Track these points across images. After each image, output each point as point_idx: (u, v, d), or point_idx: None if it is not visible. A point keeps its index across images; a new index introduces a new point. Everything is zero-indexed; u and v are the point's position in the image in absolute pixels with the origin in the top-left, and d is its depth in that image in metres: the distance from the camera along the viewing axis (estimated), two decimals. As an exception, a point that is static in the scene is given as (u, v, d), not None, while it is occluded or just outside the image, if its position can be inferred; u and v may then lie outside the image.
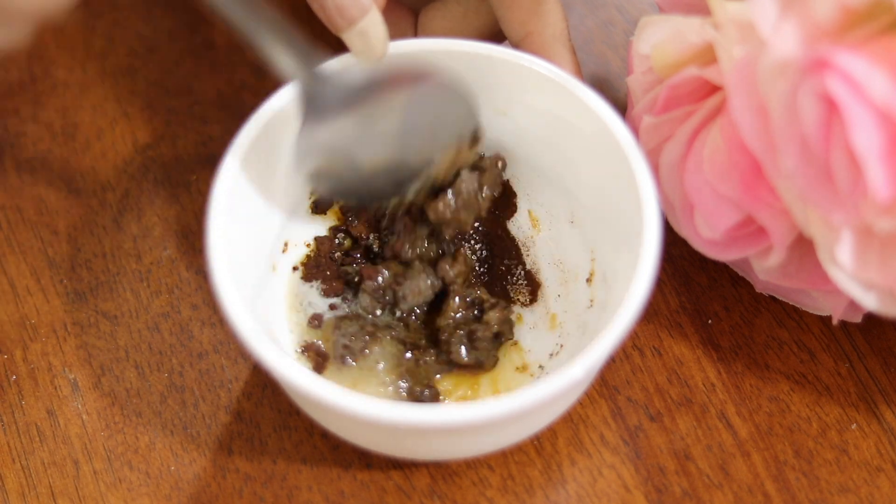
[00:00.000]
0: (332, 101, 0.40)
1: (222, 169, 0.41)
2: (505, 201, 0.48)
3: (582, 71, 0.47)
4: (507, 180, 0.48)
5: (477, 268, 0.47)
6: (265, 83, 0.44)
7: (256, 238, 0.44)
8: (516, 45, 0.47)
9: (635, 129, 0.45)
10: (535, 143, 0.46)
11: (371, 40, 0.42)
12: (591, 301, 0.45)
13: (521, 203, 0.48)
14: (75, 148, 0.52)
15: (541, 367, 0.44)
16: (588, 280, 0.45)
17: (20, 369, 0.46)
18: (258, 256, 0.44)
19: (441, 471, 0.44)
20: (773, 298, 0.47)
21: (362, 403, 0.37)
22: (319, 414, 0.43)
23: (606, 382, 0.46)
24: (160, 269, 0.49)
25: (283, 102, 0.43)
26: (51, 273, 0.49)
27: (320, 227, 0.48)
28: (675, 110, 0.43)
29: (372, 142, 0.43)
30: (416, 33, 0.49)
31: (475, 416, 0.37)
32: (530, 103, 0.45)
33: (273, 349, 0.38)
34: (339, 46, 0.44)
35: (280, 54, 0.39)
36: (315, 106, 0.40)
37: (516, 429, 0.42)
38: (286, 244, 0.47)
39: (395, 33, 0.46)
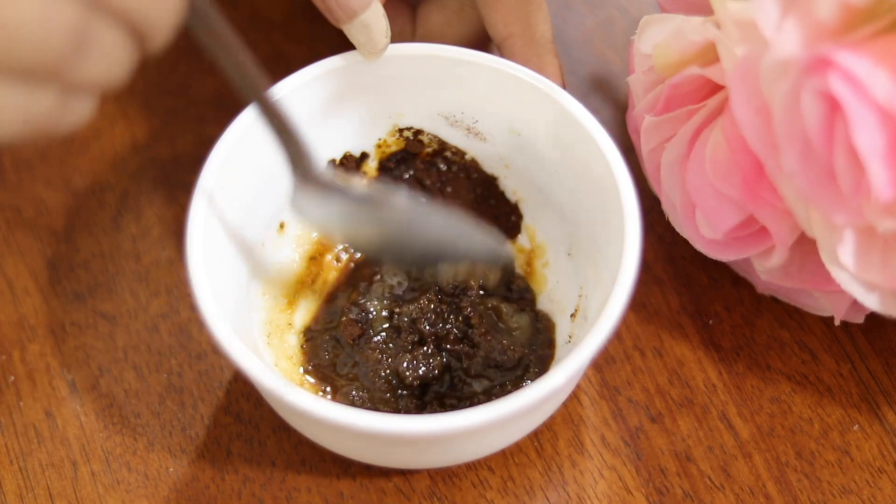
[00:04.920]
0: (323, 189, 0.40)
1: (210, 157, 0.41)
2: (509, 222, 0.48)
3: (581, 71, 0.46)
4: (517, 202, 0.48)
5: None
6: (264, 83, 0.44)
7: (245, 222, 0.44)
8: (499, 47, 0.46)
9: (636, 129, 0.45)
10: (545, 166, 0.46)
11: (373, 33, 0.42)
12: (570, 337, 0.45)
13: (526, 227, 0.48)
14: (74, 148, 0.52)
15: None
16: (572, 315, 0.45)
17: (18, 370, 0.46)
18: (245, 242, 0.44)
19: (441, 473, 0.44)
20: (774, 299, 0.47)
21: (330, 409, 0.36)
22: (299, 423, 0.42)
23: (607, 383, 0.46)
24: (159, 269, 0.49)
25: (282, 94, 0.43)
26: (49, 273, 0.49)
27: None
28: (677, 110, 0.42)
29: (364, 232, 0.41)
30: (414, 27, 0.49)
31: (449, 426, 0.36)
32: (539, 124, 0.45)
33: (258, 362, 0.38)
34: (342, 44, 0.44)
35: (284, 145, 0.38)
36: (306, 184, 0.40)
37: (499, 436, 0.41)
38: (282, 224, 0.46)
39: (394, 27, 0.46)
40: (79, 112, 0.31)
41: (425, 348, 0.44)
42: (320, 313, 0.46)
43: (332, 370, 0.45)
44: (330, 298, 0.47)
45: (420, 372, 0.43)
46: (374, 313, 0.45)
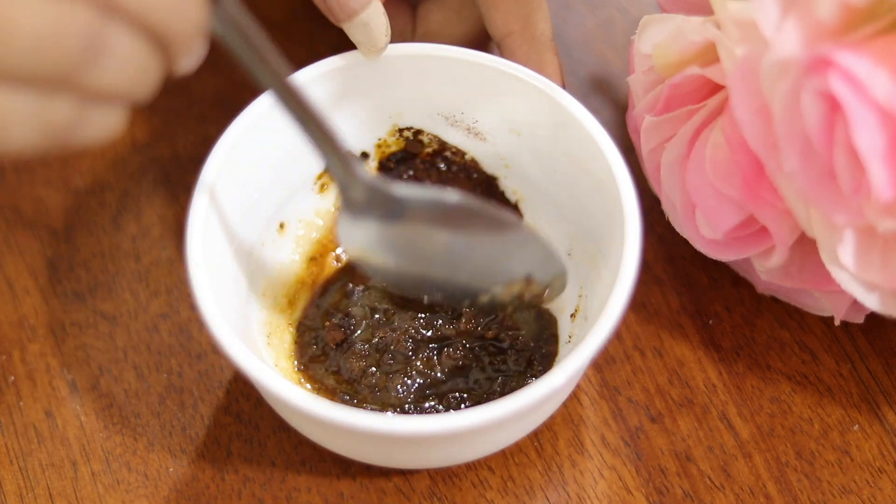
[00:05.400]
0: (369, 208, 0.40)
1: (211, 156, 0.41)
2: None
3: (581, 72, 0.46)
4: (517, 202, 0.48)
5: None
6: (264, 82, 0.44)
7: (246, 222, 0.44)
8: (499, 45, 0.46)
9: (636, 129, 0.45)
10: (545, 166, 0.46)
11: (373, 32, 0.42)
12: (570, 337, 0.45)
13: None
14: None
15: None
16: (572, 316, 0.45)
17: (18, 370, 0.46)
18: (246, 242, 0.44)
19: (441, 472, 0.44)
20: (774, 299, 0.47)
21: (329, 409, 0.36)
22: (301, 423, 0.42)
23: (607, 383, 0.46)
24: (159, 269, 0.49)
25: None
26: (49, 273, 0.49)
27: (328, 203, 0.48)
28: (677, 110, 0.42)
29: (405, 256, 0.42)
30: (414, 26, 0.49)
31: (449, 426, 0.36)
32: (539, 124, 0.45)
33: (257, 362, 0.37)
34: (342, 44, 0.44)
35: (329, 158, 0.38)
36: (352, 205, 0.40)
37: (499, 436, 0.41)
38: (282, 224, 0.46)
39: (394, 26, 0.46)
40: (104, 123, 0.30)
41: (420, 362, 0.44)
42: (310, 307, 0.46)
43: (323, 369, 0.45)
44: (322, 291, 0.47)
45: (417, 393, 0.43)
46: (359, 319, 0.45)
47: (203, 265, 0.39)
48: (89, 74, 0.28)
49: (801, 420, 0.45)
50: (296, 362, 0.45)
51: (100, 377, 0.46)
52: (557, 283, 0.43)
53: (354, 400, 0.43)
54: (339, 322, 0.45)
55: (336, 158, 0.38)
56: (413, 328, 0.44)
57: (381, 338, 0.44)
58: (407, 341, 0.44)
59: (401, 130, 0.47)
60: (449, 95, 0.46)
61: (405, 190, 0.40)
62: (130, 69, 0.29)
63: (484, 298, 0.43)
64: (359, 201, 0.40)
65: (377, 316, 0.45)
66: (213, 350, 0.47)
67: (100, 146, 0.31)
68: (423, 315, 0.45)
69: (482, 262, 0.42)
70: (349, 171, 0.39)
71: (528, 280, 0.42)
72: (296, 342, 0.45)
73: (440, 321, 0.45)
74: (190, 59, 0.31)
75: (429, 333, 0.44)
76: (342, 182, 0.39)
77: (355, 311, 0.45)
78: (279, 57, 0.35)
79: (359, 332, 0.45)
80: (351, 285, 0.46)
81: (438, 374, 0.44)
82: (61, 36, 0.27)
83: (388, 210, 0.40)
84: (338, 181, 0.39)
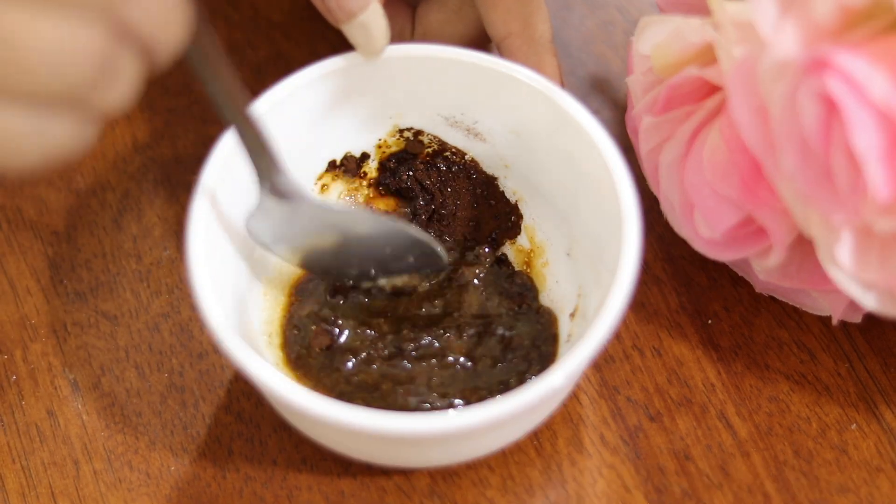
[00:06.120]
0: (285, 198, 0.42)
1: (211, 156, 0.42)
2: (509, 223, 0.48)
3: (580, 72, 0.46)
4: (517, 202, 0.48)
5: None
6: (264, 83, 0.44)
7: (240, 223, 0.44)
8: (498, 46, 0.47)
9: (635, 130, 0.45)
10: (544, 166, 0.46)
11: (372, 33, 0.42)
12: (569, 336, 0.45)
13: (526, 227, 0.48)
14: (75, 148, 0.52)
15: None
16: (572, 315, 0.45)
17: (20, 369, 0.46)
18: (246, 241, 0.44)
19: (441, 471, 0.44)
20: (772, 299, 0.47)
21: (329, 409, 0.36)
22: (302, 423, 0.42)
23: (606, 382, 0.46)
24: (160, 269, 0.49)
25: (283, 94, 0.43)
26: (51, 273, 0.49)
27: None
28: (675, 110, 0.43)
29: (315, 244, 0.44)
30: (413, 26, 0.49)
31: (449, 426, 0.37)
32: (538, 125, 0.45)
33: (258, 362, 0.38)
34: (342, 44, 0.44)
35: (256, 159, 0.40)
36: (269, 199, 0.42)
37: (498, 435, 0.42)
38: None
39: (393, 27, 0.46)
40: (89, 137, 0.30)
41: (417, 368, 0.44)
42: (292, 306, 0.46)
43: (316, 368, 0.44)
44: (298, 290, 0.46)
45: (415, 394, 0.44)
46: (342, 324, 0.45)
47: (204, 265, 0.39)
48: (99, 94, 0.29)
49: (799, 419, 0.45)
50: (288, 364, 0.45)
51: (101, 376, 0.46)
52: (435, 274, 0.46)
53: (351, 400, 0.43)
54: (326, 328, 0.45)
55: (265, 149, 0.40)
56: (404, 328, 0.44)
57: (371, 341, 0.44)
58: (400, 343, 0.44)
59: (401, 131, 0.48)
60: (449, 96, 0.46)
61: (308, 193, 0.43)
62: (131, 86, 0.30)
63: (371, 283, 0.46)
64: (279, 191, 0.41)
65: (367, 329, 0.45)
66: (214, 350, 0.47)
67: (76, 160, 0.31)
68: (415, 315, 0.45)
69: (371, 257, 0.45)
70: (275, 161, 0.40)
71: (411, 276, 0.46)
72: (284, 336, 0.45)
73: (433, 320, 0.45)
74: (163, 67, 0.31)
75: (424, 339, 0.44)
76: (266, 169, 0.41)
77: (341, 311, 0.45)
78: (230, 69, 0.36)
79: (345, 334, 0.45)
80: (332, 292, 0.46)
81: (436, 375, 0.44)
82: (77, 56, 0.27)
83: (296, 202, 0.42)
84: (261, 167, 0.41)
